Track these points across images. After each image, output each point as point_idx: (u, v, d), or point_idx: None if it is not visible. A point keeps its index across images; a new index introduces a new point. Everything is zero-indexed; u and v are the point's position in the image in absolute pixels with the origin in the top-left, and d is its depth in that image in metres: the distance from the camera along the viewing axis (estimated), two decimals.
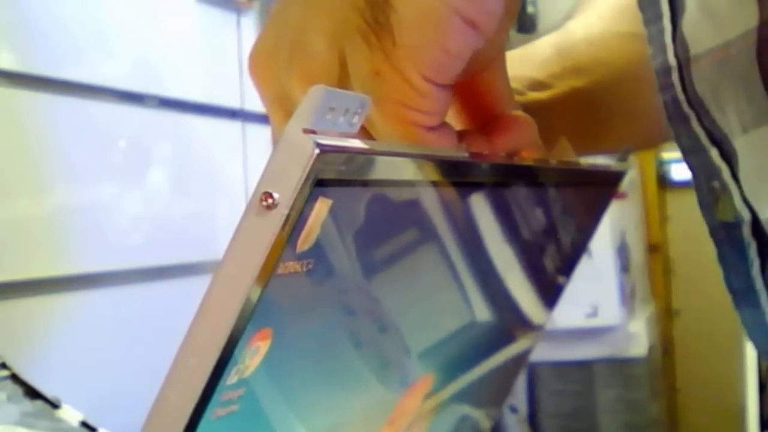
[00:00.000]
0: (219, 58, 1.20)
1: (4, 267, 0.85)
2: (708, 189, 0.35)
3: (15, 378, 0.73)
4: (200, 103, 1.14)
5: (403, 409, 0.30)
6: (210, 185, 1.17)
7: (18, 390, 0.72)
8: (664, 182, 2.14)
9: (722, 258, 0.36)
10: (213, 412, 0.21)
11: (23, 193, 0.88)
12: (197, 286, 1.19)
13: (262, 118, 1.28)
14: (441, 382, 0.32)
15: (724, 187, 0.34)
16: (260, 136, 1.26)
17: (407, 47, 0.27)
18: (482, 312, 0.32)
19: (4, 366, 0.74)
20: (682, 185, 2.12)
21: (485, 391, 0.37)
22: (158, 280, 1.06)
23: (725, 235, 0.35)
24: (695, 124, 0.35)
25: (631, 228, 1.88)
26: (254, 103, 1.31)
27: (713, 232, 0.36)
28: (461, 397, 0.35)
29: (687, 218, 2.11)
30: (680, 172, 2.10)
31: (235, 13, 1.23)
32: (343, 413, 0.27)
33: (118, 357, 0.96)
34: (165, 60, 1.08)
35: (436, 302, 0.30)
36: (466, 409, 0.36)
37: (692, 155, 0.36)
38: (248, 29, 1.26)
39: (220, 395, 0.21)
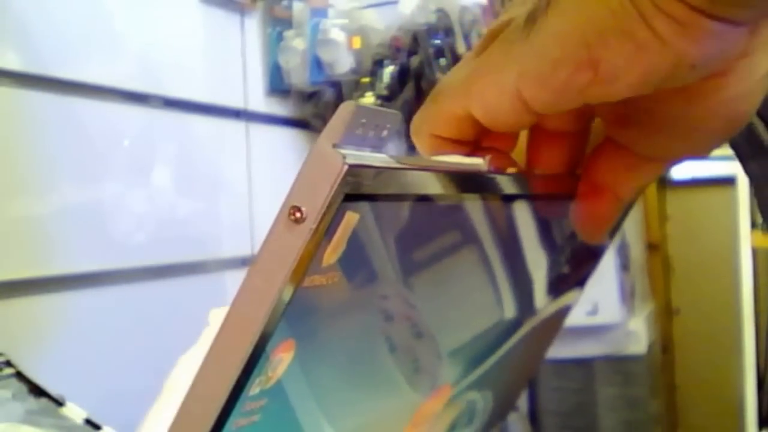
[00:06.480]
0: (223, 58, 1.20)
1: (10, 266, 0.85)
2: None
3: (19, 376, 0.73)
4: (204, 103, 1.14)
5: (425, 411, 0.30)
6: (213, 185, 1.17)
7: (22, 388, 0.72)
8: (663, 182, 2.14)
9: None
10: (235, 422, 0.21)
11: (28, 193, 0.88)
12: (200, 285, 1.19)
13: (265, 119, 1.28)
14: (461, 384, 0.32)
15: None
16: (263, 136, 1.26)
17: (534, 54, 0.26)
18: (506, 318, 0.33)
19: (8, 364, 0.73)
20: (682, 184, 2.12)
21: (500, 393, 0.38)
22: (161, 278, 1.06)
23: None
24: (762, 130, 0.34)
25: (630, 227, 1.88)
26: (257, 103, 1.32)
27: None
28: (480, 396, 0.35)
29: (686, 217, 2.11)
30: (680, 171, 2.10)
31: (238, 14, 1.23)
32: (365, 422, 0.27)
33: (121, 355, 0.96)
34: (169, 60, 1.08)
35: (462, 311, 0.30)
36: (483, 407, 0.37)
37: (752, 160, 0.35)
38: (251, 30, 1.26)
39: (242, 406, 0.21)
